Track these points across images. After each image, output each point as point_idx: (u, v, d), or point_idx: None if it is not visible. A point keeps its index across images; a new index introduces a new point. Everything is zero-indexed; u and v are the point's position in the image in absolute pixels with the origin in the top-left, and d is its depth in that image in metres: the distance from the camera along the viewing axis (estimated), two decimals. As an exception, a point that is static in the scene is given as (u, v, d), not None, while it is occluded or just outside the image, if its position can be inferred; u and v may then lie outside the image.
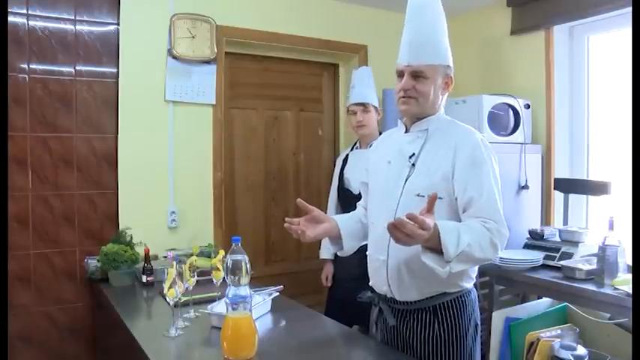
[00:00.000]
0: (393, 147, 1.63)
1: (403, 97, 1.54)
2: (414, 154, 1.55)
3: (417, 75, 1.52)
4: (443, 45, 1.55)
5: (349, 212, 2.63)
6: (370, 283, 1.68)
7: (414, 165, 1.54)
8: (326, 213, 2.87)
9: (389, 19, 3.48)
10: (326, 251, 2.81)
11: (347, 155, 2.81)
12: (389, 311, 1.59)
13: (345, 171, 2.75)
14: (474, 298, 1.59)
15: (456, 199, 1.48)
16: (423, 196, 1.47)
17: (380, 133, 2.72)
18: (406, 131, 1.62)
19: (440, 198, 1.45)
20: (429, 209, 1.32)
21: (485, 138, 1.56)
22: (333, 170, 2.91)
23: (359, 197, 2.60)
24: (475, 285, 1.62)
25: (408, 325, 1.55)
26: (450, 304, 1.52)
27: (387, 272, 1.55)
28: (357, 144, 2.80)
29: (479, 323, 1.60)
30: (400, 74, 1.56)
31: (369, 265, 1.67)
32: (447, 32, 1.58)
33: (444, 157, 1.50)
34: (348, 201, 2.65)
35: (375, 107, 2.70)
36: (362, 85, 2.72)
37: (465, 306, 1.54)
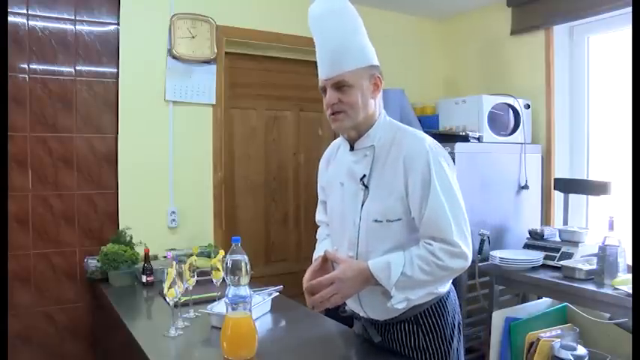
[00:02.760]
0: (342, 167, 1.53)
1: (332, 115, 1.42)
2: (365, 175, 1.46)
3: (339, 85, 1.40)
4: (358, 46, 1.43)
5: None
6: (346, 307, 1.63)
7: (367, 187, 1.45)
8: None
9: (389, 19, 3.48)
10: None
11: None
12: (372, 328, 1.56)
13: None
14: (453, 299, 1.56)
15: (414, 218, 1.41)
16: (381, 221, 1.42)
17: None
18: (351, 149, 1.50)
19: (398, 219, 1.41)
20: (322, 266, 1.45)
21: (434, 142, 1.43)
22: None
23: None
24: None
25: (393, 337, 1.53)
26: (430, 311, 1.49)
27: (359, 297, 1.51)
28: None
29: (460, 321, 1.58)
30: (324, 90, 1.44)
31: None
32: (362, 31, 1.47)
33: (395, 176, 1.41)
34: None
35: None
36: None
37: (446, 309, 1.51)
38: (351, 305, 1.60)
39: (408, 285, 1.37)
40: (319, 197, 1.71)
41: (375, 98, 1.45)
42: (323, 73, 1.43)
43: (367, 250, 1.44)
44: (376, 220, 1.42)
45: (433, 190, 1.36)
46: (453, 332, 1.52)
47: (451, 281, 1.56)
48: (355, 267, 1.40)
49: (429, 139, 1.43)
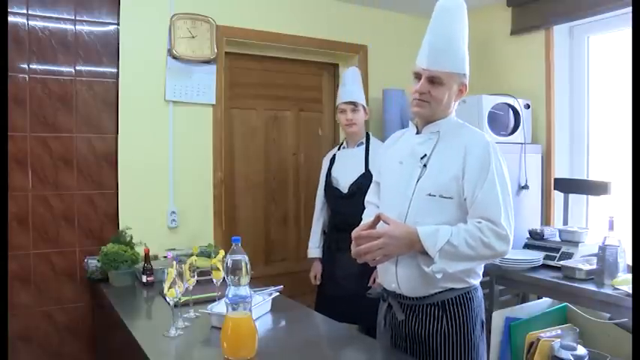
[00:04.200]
0: (405, 148, 1.66)
1: (417, 100, 1.57)
2: (425, 155, 1.58)
3: (433, 80, 1.54)
4: (461, 54, 1.57)
5: (338, 211, 2.67)
6: (378, 280, 1.71)
7: (425, 166, 1.57)
8: (314, 213, 2.92)
9: (389, 19, 3.48)
10: (314, 250, 2.84)
11: (334, 155, 2.83)
12: (398, 306, 1.62)
13: (332, 170, 2.78)
14: (480, 296, 1.62)
15: (465, 199, 1.51)
16: (434, 196, 1.52)
17: (367, 133, 2.78)
18: (417, 132, 1.65)
19: (450, 198, 1.52)
20: (373, 225, 1.50)
21: (493, 141, 1.57)
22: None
23: (347, 196, 2.63)
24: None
25: (417, 319, 1.58)
26: (458, 300, 1.55)
27: (397, 269, 1.57)
28: (344, 143, 2.83)
29: (484, 320, 1.64)
30: (417, 76, 1.58)
31: None
32: (467, 40, 1.60)
33: (455, 158, 1.53)
34: (337, 200, 2.69)
35: (364, 107, 2.75)
36: (352, 85, 2.78)
37: (473, 302, 1.57)
38: (385, 278, 1.65)
39: (451, 255, 1.44)
40: (374, 179, 1.83)
41: (455, 101, 1.62)
42: (424, 62, 1.56)
43: (415, 223, 1.51)
44: (430, 194, 1.53)
45: (490, 176, 1.48)
46: (475, 326, 1.57)
47: (480, 279, 1.62)
48: (404, 228, 1.49)
49: (489, 137, 1.59)
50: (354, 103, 2.69)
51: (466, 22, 1.60)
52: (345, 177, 2.67)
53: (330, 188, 2.74)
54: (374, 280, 2.57)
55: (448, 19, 1.56)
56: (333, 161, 2.80)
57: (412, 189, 1.56)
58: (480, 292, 1.62)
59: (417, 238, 1.45)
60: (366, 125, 2.80)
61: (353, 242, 1.53)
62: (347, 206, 2.59)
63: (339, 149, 2.84)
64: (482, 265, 1.62)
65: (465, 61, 1.59)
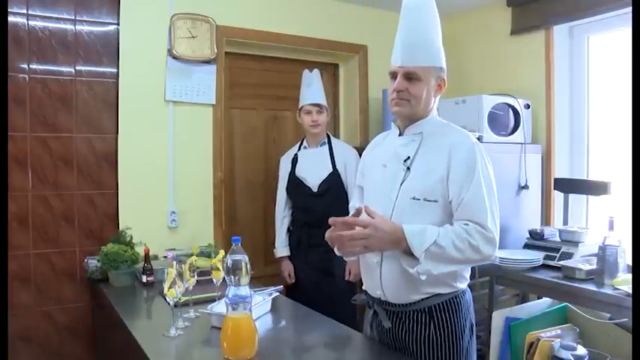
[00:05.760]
0: (388, 150, 1.63)
1: (396, 99, 1.53)
2: (409, 157, 1.54)
3: (410, 77, 1.51)
4: (436, 46, 1.54)
5: (310, 209, 2.69)
6: (363, 287, 1.67)
7: (409, 168, 1.53)
8: (275, 212, 2.89)
9: (389, 19, 3.47)
10: (283, 249, 2.87)
11: (295, 155, 2.84)
12: (384, 314, 1.58)
13: (297, 170, 2.80)
14: (468, 299, 1.58)
15: (451, 202, 1.47)
16: (419, 199, 1.49)
17: (327, 135, 2.83)
18: (400, 134, 1.61)
19: (435, 201, 1.48)
20: (357, 216, 1.47)
21: (478, 141, 1.54)
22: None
23: (318, 194, 2.69)
24: (470, 286, 1.62)
25: (404, 326, 1.55)
26: (445, 306, 1.52)
27: (381, 275, 1.54)
28: (305, 143, 2.86)
29: (474, 323, 1.60)
30: (393, 75, 1.55)
31: (362, 268, 1.66)
32: (440, 34, 1.57)
33: (439, 160, 1.49)
34: (307, 198, 2.74)
35: (327, 109, 2.81)
36: (317, 86, 2.82)
37: (461, 307, 1.54)
38: (369, 285, 1.62)
39: (437, 256, 1.40)
40: (357, 183, 1.79)
41: (435, 97, 1.58)
42: (397, 60, 1.53)
43: None
44: (414, 198, 1.49)
45: (476, 177, 1.45)
46: (464, 331, 1.54)
47: (467, 282, 1.59)
48: (391, 224, 1.45)
49: (474, 138, 1.55)
50: (319, 105, 2.75)
51: (436, 16, 1.56)
52: (313, 176, 2.73)
53: (299, 187, 2.77)
54: (349, 271, 2.59)
55: (416, 15, 1.53)
56: (296, 161, 2.82)
57: (396, 192, 1.52)
58: (468, 295, 1.58)
59: (403, 236, 1.40)
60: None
61: (331, 230, 1.46)
62: (319, 204, 2.66)
63: (299, 149, 2.87)
64: (469, 269, 1.58)
65: (441, 55, 1.55)
